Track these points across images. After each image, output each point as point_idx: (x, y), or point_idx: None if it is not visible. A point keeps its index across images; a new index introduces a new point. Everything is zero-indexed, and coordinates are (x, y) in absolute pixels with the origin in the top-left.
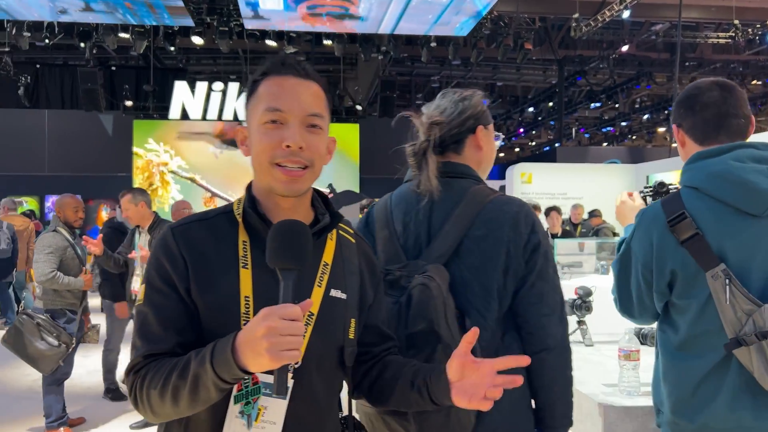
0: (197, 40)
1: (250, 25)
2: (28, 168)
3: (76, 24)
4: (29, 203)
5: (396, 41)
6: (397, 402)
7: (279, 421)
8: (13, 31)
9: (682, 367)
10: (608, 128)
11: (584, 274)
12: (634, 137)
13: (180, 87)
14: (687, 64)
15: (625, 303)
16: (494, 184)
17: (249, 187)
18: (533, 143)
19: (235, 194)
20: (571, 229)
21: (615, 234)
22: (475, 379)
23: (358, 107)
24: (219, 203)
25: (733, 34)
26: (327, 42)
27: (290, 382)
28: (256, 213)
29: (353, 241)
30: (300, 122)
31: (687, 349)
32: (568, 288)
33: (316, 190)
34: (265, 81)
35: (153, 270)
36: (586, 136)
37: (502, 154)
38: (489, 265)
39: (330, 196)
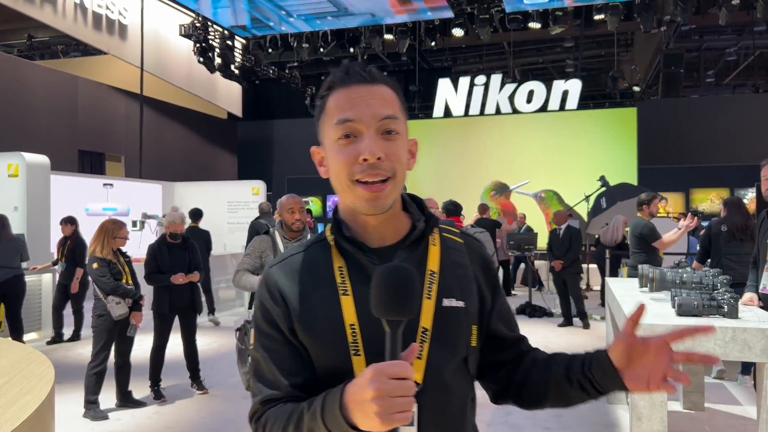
0: (458, 33)
1: (511, 8)
2: (315, 170)
3: (346, 31)
4: (314, 203)
5: (685, 5)
6: (554, 401)
7: None
8: (295, 44)
9: None
10: None
11: None
12: None
13: (443, 85)
14: None
15: None
16: None
17: (335, 211)
18: None
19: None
20: None
21: None
22: (647, 360)
23: (636, 88)
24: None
25: None
26: (598, 17)
27: (414, 407)
28: (343, 236)
29: (460, 240)
30: (374, 131)
31: None
32: None
33: (408, 194)
34: (332, 95)
35: (258, 313)
36: None
37: None
38: None
39: (602, 189)
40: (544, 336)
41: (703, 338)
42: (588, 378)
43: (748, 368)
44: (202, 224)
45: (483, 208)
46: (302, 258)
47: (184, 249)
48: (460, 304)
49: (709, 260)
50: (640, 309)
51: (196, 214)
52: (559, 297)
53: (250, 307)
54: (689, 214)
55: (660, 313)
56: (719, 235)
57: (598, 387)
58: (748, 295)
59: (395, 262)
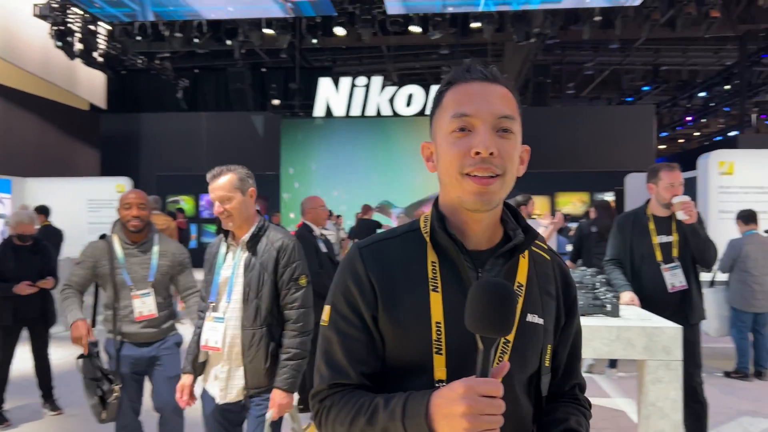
0: (340, 32)
1: (392, 10)
2: (186, 168)
3: (223, 22)
4: (186, 202)
5: (554, 18)
6: None
7: None
8: (167, 33)
9: None
10: None
11: None
12: None
13: (324, 84)
14: None
15: None
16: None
17: (436, 204)
18: (698, 133)
19: None
20: None
21: None
22: None
23: None
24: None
25: None
26: (475, 25)
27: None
28: (445, 232)
29: (548, 257)
30: (490, 127)
31: None
32: None
33: (506, 204)
34: (450, 90)
35: (339, 293)
36: None
37: (663, 146)
38: None
39: None
40: None
41: (589, 336)
42: None
43: (614, 362)
44: (56, 222)
45: (365, 209)
46: (394, 245)
47: (34, 252)
48: (540, 321)
49: (580, 260)
50: None
51: (44, 210)
52: None
53: (94, 325)
54: (557, 212)
55: None
56: (589, 236)
57: None
58: (629, 295)
59: (496, 278)
